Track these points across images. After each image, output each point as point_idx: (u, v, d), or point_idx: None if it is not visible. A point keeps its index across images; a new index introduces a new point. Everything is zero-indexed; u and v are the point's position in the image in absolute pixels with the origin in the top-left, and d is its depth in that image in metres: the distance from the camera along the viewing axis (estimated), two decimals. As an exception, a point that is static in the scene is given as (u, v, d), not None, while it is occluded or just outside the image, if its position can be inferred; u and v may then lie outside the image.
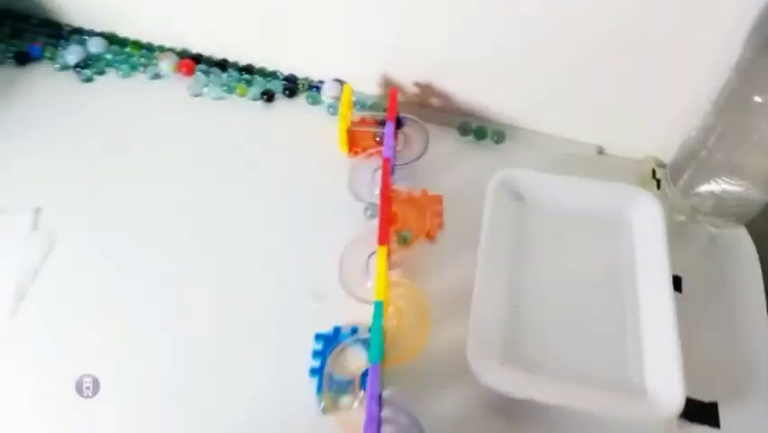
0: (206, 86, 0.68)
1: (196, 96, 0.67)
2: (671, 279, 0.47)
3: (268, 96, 0.66)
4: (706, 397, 0.44)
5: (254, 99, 0.66)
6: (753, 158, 0.47)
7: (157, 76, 0.69)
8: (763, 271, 0.52)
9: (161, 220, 0.56)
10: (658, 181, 0.58)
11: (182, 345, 0.48)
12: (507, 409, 0.44)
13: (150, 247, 0.54)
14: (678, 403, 0.41)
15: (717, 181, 0.51)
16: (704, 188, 0.52)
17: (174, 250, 0.54)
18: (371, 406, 0.37)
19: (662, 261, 0.48)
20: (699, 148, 0.50)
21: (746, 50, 0.45)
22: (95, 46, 0.71)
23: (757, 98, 0.43)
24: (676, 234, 0.51)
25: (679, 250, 0.49)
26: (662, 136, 0.57)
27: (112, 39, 0.72)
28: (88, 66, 0.69)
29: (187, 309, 0.50)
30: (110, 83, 0.69)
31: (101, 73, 0.69)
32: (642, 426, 0.44)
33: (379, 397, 0.39)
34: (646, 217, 0.52)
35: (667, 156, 0.57)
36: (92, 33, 0.72)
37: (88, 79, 0.69)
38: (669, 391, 0.42)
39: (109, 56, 0.70)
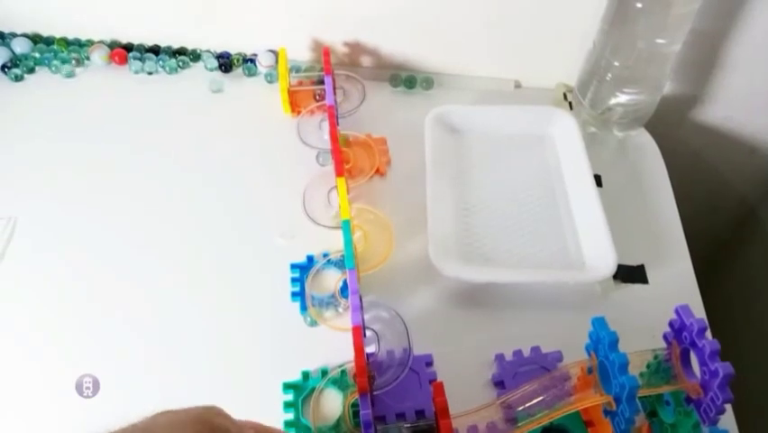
0: (150, 73, 0.69)
1: (140, 77, 0.69)
2: (592, 176, 0.55)
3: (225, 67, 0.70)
4: (635, 262, 0.52)
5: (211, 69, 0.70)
6: (642, 63, 0.55)
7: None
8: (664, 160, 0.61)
9: (131, 194, 0.58)
10: (570, 103, 0.66)
11: (167, 304, 0.50)
12: (469, 298, 0.50)
13: (122, 218, 0.56)
14: (611, 267, 0.48)
15: (618, 93, 0.59)
16: (611, 101, 0.59)
17: (148, 218, 0.56)
18: (354, 300, 0.41)
19: (583, 162, 0.56)
20: (599, 62, 0.58)
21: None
22: (19, 46, 0.71)
23: (638, 4, 0.50)
24: (590, 143, 0.59)
25: (595, 154, 0.57)
26: (567, 63, 0.65)
27: (36, 39, 0.72)
28: (17, 65, 0.69)
29: (167, 271, 0.52)
30: (44, 79, 0.69)
31: (31, 71, 0.70)
32: (585, 290, 0.50)
33: (360, 299, 0.44)
34: (564, 130, 0.60)
35: (574, 80, 0.65)
36: (14, 35, 0.72)
37: (19, 78, 0.69)
38: (603, 260, 0.49)
39: (36, 54, 0.71)
